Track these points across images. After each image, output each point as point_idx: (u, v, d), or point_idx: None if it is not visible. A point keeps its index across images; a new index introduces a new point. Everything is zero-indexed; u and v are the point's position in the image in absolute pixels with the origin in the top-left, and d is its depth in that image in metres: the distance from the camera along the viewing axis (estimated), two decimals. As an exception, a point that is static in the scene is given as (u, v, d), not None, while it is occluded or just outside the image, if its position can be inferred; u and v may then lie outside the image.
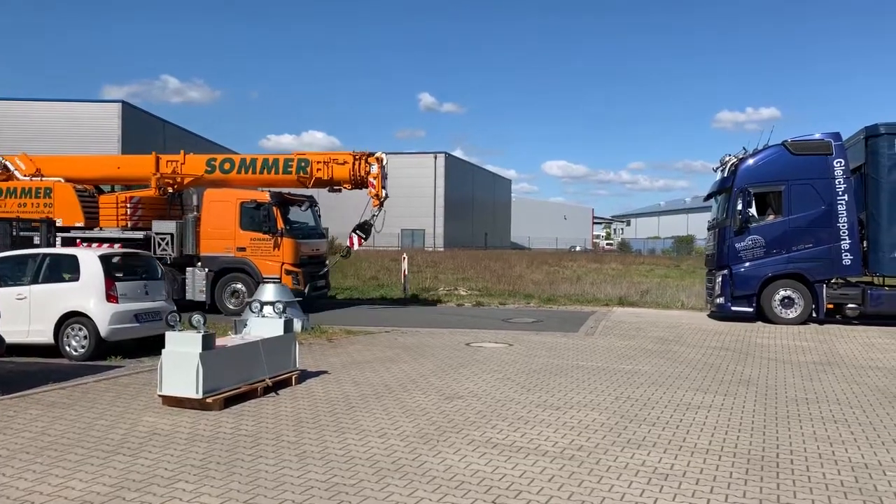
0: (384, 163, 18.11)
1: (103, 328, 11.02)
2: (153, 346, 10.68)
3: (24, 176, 19.04)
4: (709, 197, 18.44)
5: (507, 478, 5.52)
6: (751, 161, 16.21)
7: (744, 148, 16.93)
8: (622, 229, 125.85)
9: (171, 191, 19.03)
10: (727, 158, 17.13)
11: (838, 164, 15.49)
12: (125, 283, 11.59)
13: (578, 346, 12.55)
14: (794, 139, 16.06)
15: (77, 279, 11.35)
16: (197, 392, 7.51)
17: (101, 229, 18.46)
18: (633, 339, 13.35)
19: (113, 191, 20.00)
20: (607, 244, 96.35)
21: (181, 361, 7.57)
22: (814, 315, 15.62)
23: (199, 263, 17.79)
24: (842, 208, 15.40)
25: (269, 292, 12.96)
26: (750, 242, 15.83)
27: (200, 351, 7.54)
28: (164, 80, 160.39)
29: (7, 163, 19.29)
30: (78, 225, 18.24)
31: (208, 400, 7.54)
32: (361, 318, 16.75)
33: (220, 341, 8.23)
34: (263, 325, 9.12)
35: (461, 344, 12.53)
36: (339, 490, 5.20)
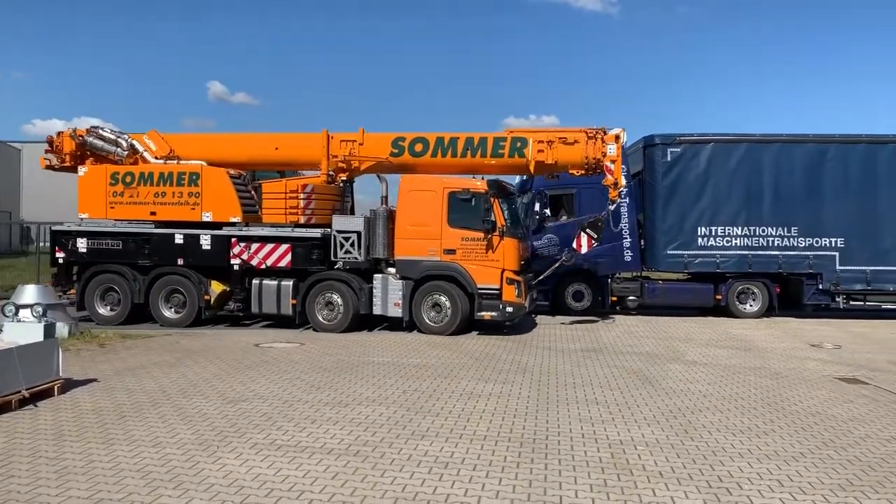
0: (623, 141, 14.66)
1: None
2: None
3: (157, 159, 14.95)
4: None
5: (289, 479, 5.44)
6: None
7: None
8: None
9: (343, 178, 15.21)
10: None
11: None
12: None
13: (370, 341, 12.66)
14: None
15: None
16: (-67, 409, 6.58)
17: (262, 226, 14.47)
18: (423, 334, 13.70)
19: (255, 178, 15.61)
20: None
21: (-87, 375, 6.60)
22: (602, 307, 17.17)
23: (393, 269, 14.02)
24: (623, 210, 16.90)
25: (27, 294, 11.66)
26: (546, 241, 16.95)
27: (-62, 362, 6.63)
28: None
29: (135, 142, 15.05)
30: (234, 220, 14.31)
31: (-52, 418, 6.64)
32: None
33: (-37, 351, 7.28)
34: (20, 331, 8.27)
35: (250, 345, 12.12)
36: (104, 507, 4.82)
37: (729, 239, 16.90)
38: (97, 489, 5.16)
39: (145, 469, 5.61)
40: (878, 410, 8.08)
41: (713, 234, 16.90)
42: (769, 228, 16.74)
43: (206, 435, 6.59)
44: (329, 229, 14.13)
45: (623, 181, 14.58)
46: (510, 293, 13.40)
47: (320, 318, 13.96)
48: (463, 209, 13.65)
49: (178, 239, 14.31)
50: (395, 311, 13.79)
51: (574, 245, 14.82)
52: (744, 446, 6.55)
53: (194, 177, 14.39)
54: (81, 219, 14.94)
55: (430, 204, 13.78)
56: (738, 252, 16.82)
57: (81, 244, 14.64)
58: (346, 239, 13.92)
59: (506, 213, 13.95)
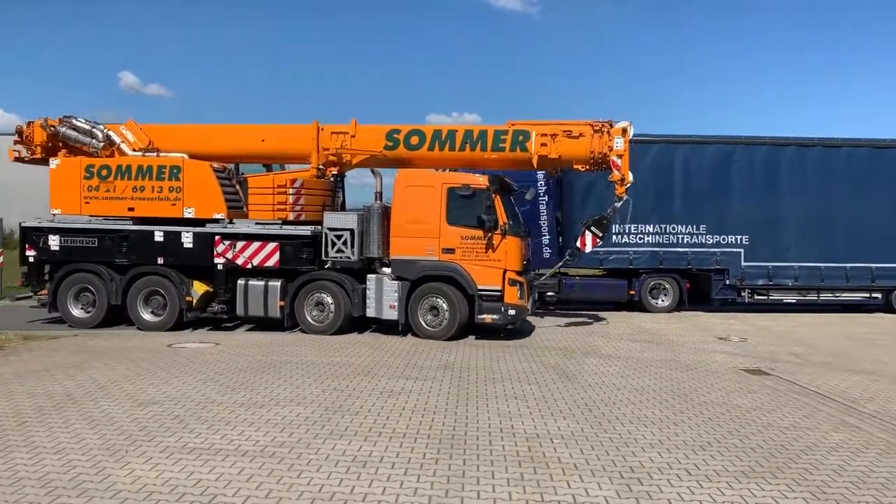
0: (630, 136, 13.90)
1: None
2: None
3: (135, 151, 13.91)
4: None
5: (202, 483, 5.29)
6: None
7: None
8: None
9: (334, 172, 14.40)
10: None
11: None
12: None
13: (289, 340, 12.44)
14: None
15: None
16: None
17: (248, 223, 13.64)
18: (344, 332, 13.56)
19: (239, 172, 14.75)
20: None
21: None
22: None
23: (388, 269, 13.26)
24: (543, 207, 17.25)
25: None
26: None
27: None
28: None
29: (111, 133, 13.95)
30: (218, 216, 13.42)
31: None
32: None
33: None
34: None
35: (162, 346, 11.72)
36: (0, 518, 4.57)
37: (642, 236, 17.45)
38: (-7, 500, 4.89)
39: (46, 477, 5.35)
40: (779, 400, 8.50)
41: (627, 231, 17.41)
42: (679, 226, 17.39)
43: (114, 439, 6.33)
44: (319, 227, 13.54)
45: (630, 177, 13.95)
46: (512, 295, 12.74)
47: (310, 320, 13.37)
48: (463, 206, 12.91)
49: (158, 236, 13.53)
50: (390, 314, 13.12)
51: (578, 244, 14.53)
52: (654, 437, 6.77)
53: (175, 170, 13.52)
54: (54, 214, 13.95)
55: (428, 200, 13.05)
56: (651, 249, 17.39)
57: (54, 241, 13.68)
58: (339, 237, 13.31)
59: (507, 210, 13.31)
